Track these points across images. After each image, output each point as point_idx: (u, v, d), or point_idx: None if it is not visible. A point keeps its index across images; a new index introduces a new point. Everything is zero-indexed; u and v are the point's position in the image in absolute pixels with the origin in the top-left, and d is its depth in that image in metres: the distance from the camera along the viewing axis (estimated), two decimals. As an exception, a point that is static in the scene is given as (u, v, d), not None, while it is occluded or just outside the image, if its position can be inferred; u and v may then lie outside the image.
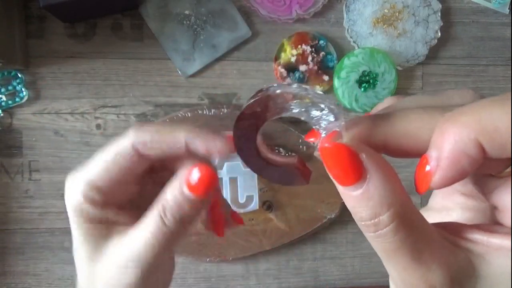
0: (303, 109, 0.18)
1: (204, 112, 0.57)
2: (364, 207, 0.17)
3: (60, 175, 0.58)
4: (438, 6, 0.61)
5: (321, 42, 0.59)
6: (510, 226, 0.18)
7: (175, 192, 0.23)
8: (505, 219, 0.19)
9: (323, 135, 0.19)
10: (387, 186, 0.17)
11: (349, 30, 0.60)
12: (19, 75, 0.57)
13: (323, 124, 0.18)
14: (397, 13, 0.60)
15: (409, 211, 0.17)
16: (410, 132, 0.18)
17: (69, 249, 0.58)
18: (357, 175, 0.17)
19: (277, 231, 0.59)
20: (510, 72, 0.63)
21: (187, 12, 0.59)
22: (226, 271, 0.60)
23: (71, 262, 0.60)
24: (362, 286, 0.61)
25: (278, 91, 0.18)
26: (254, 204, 0.56)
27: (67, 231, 0.62)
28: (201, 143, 0.23)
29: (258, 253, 0.59)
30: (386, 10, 0.60)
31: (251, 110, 0.19)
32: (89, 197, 0.24)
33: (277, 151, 0.58)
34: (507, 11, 0.63)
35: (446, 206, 0.24)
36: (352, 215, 0.18)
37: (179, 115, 0.57)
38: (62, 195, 0.62)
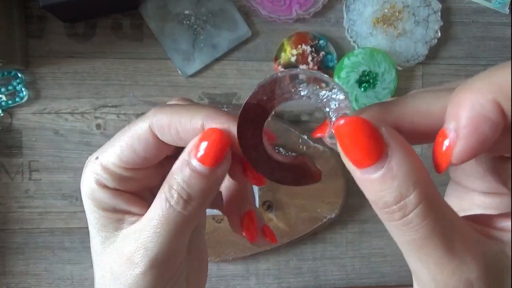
0: (311, 90, 0.18)
1: (204, 112, 0.57)
2: (388, 190, 0.16)
3: (60, 175, 0.58)
4: (438, 6, 0.61)
5: (321, 42, 0.59)
6: None
7: (182, 167, 0.21)
8: None
9: (333, 118, 0.18)
10: (411, 163, 0.15)
11: (349, 30, 0.60)
12: (19, 75, 0.57)
13: (333, 104, 0.17)
14: (397, 13, 0.60)
15: (436, 193, 0.16)
16: (423, 109, 0.17)
17: (69, 249, 0.58)
18: (378, 152, 0.16)
19: (277, 231, 0.59)
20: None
21: (187, 12, 0.59)
22: (226, 271, 0.60)
23: (71, 262, 0.60)
24: (362, 286, 0.61)
25: (283, 74, 0.18)
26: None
27: (67, 231, 0.62)
28: (219, 127, 0.21)
29: (258, 253, 0.59)
30: (386, 10, 0.60)
31: (256, 99, 0.18)
32: (102, 183, 0.22)
33: (277, 151, 0.58)
34: (507, 11, 0.63)
35: (462, 207, 0.21)
36: (373, 205, 0.17)
37: (179, 115, 0.57)
38: (62, 195, 0.62)
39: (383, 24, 0.60)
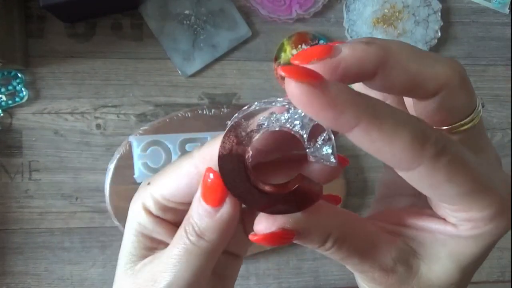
0: (272, 120, 0.18)
1: (204, 112, 0.57)
2: (309, 242, 0.19)
3: (60, 175, 0.58)
4: (438, 6, 0.61)
5: (321, 42, 0.59)
6: (436, 211, 0.20)
7: (196, 203, 0.21)
8: (430, 203, 0.21)
9: (304, 135, 0.18)
10: (325, 215, 0.19)
11: (349, 30, 0.60)
12: (19, 75, 0.57)
13: (298, 122, 0.18)
14: (397, 13, 0.60)
15: (348, 229, 0.19)
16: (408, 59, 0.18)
17: (69, 249, 0.58)
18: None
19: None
20: (510, 72, 0.63)
21: (187, 12, 0.59)
22: (226, 271, 0.60)
23: (71, 262, 0.60)
24: (362, 286, 0.61)
25: (238, 117, 0.18)
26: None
27: (67, 231, 0.62)
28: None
29: (258, 253, 0.59)
30: (386, 10, 0.60)
31: (225, 149, 0.18)
32: (147, 209, 0.23)
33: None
34: (507, 11, 0.63)
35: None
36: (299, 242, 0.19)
37: (179, 115, 0.57)
38: (62, 195, 0.62)
39: (383, 24, 0.60)
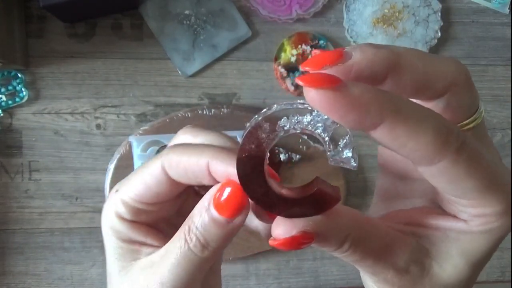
0: (293, 122, 0.17)
1: (204, 112, 0.57)
2: (328, 246, 0.19)
3: (60, 175, 0.58)
4: (438, 6, 0.61)
5: (321, 42, 0.59)
6: (447, 208, 0.20)
7: (202, 212, 0.21)
8: (441, 200, 0.21)
9: (326, 138, 0.18)
10: (344, 218, 0.19)
11: (349, 30, 0.60)
12: (19, 75, 0.57)
13: (320, 125, 0.17)
14: (397, 13, 0.60)
15: (363, 231, 0.20)
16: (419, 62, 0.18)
17: (69, 249, 0.58)
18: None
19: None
20: (510, 72, 0.63)
21: (187, 12, 0.59)
22: (226, 271, 0.60)
23: (70, 262, 0.60)
24: (362, 286, 0.61)
25: (260, 118, 0.18)
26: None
27: (67, 231, 0.62)
28: (221, 169, 0.21)
29: (258, 253, 0.59)
30: (386, 10, 0.60)
31: (244, 151, 0.18)
32: (120, 215, 0.23)
33: (278, 155, 0.58)
34: (507, 11, 0.63)
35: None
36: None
37: (179, 115, 0.57)
38: (62, 195, 0.62)
39: (383, 24, 0.60)
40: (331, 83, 0.15)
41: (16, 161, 0.57)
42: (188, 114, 0.57)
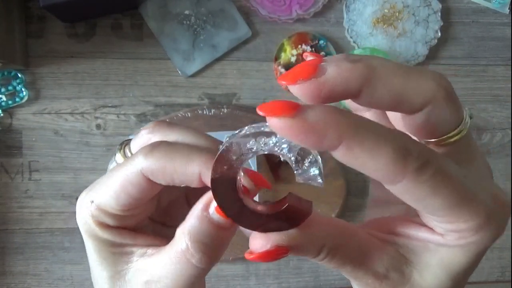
0: (261, 143, 0.19)
1: (204, 112, 0.57)
2: (306, 252, 0.20)
3: (60, 175, 0.58)
4: (438, 6, 0.61)
5: (321, 42, 0.59)
6: (424, 221, 0.20)
7: (202, 215, 0.21)
8: (418, 212, 0.21)
9: (292, 158, 0.18)
10: (321, 227, 0.20)
11: (349, 30, 0.60)
12: (19, 75, 0.57)
13: (284, 146, 0.18)
14: (397, 13, 0.60)
15: (340, 240, 0.20)
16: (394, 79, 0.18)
17: (69, 249, 0.58)
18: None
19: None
20: (510, 72, 0.63)
21: (187, 12, 0.59)
22: (226, 271, 0.60)
23: (71, 262, 0.60)
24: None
25: (230, 141, 0.19)
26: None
27: (67, 231, 0.62)
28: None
29: (258, 253, 0.59)
30: (386, 10, 0.60)
31: (217, 172, 0.19)
32: (101, 222, 0.23)
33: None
34: (507, 11, 0.63)
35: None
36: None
37: (179, 115, 0.57)
38: (62, 195, 0.62)
39: (383, 24, 0.60)
40: (289, 110, 0.16)
41: (16, 161, 0.57)
42: (188, 114, 0.57)
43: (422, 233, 0.20)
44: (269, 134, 0.18)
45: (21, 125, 0.58)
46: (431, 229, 0.20)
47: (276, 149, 0.19)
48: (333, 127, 0.16)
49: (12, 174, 0.57)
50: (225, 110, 0.58)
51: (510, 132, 0.64)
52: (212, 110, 0.57)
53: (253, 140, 0.19)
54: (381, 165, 0.16)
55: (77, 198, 0.24)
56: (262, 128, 0.19)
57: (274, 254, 0.19)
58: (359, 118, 0.17)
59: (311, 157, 0.18)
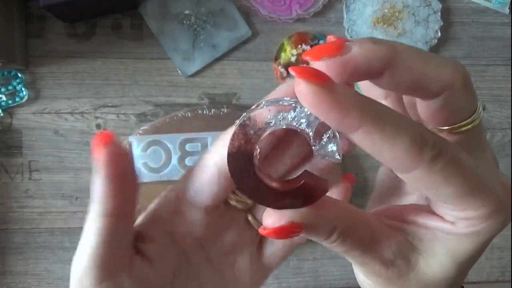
0: (279, 118, 0.19)
1: (204, 112, 0.57)
2: (315, 234, 0.20)
3: (60, 175, 0.58)
4: (438, 6, 0.61)
5: (321, 42, 0.59)
6: (434, 209, 0.21)
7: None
8: (428, 201, 0.21)
9: (310, 133, 0.18)
10: (333, 208, 0.20)
11: (349, 30, 0.60)
12: (19, 75, 0.57)
13: (303, 121, 0.18)
14: (397, 13, 0.60)
15: (351, 225, 0.20)
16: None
17: (69, 249, 0.58)
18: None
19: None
20: (510, 72, 0.63)
21: (187, 12, 0.59)
22: (226, 271, 0.60)
23: (71, 262, 0.60)
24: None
25: (246, 116, 0.19)
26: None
27: (67, 231, 0.62)
28: None
29: (258, 253, 0.59)
30: (386, 10, 0.60)
31: (234, 147, 0.19)
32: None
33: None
34: (507, 11, 0.63)
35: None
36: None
37: (179, 115, 0.57)
38: (62, 195, 0.62)
39: (383, 24, 0.60)
40: (320, 79, 0.16)
41: (16, 161, 0.57)
42: (188, 114, 0.57)
43: (431, 222, 0.21)
44: (288, 108, 0.18)
45: (21, 125, 0.58)
46: (440, 217, 0.20)
47: (295, 123, 0.18)
48: (357, 108, 0.16)
49: (12, 174, 0.57)
50: (225, 110, 0.58)
51: (510, 132, 0.64)
52: (212, 110, 0.57)
53: (272, 114, 0.18)
54: (398, 152, 0.16)
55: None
56: (280, 102, 0.19)
57: (287, 231, 0.19)
58: (381, 105, 0.17)
59: (329, 133, 0.18)
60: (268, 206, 0.20)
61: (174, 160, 0.56)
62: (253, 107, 0.19)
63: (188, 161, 0.56)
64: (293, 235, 0.19)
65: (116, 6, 0.57)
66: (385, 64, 0.18)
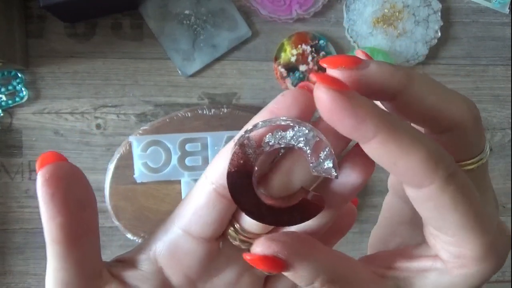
0: (277, 137, 0.19)
1: (204, 112, 0.57)
2: (298, 279, 0.19)
3: (60, 175, 0.58)
4: (438, 6, 0.61)
5: (321, 42, 0.59)
6: (430, 243, 0.20)
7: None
8: (426, 233, 0.20)
9: (308, 151, 0.19)
10: (314, 257, 0.19)
11: (349, 30, 0.60)
12: (19, 75, 0.57)
13: (301, 139, 0.19)
14: (397, 13, 0.60)
15: (336, 272, 0.20)
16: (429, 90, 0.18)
17: (69, 249, 0.58)
18: None
19: (277, 231, 0.58)
20: (510, 72, 0.63)
21: (187, 12, 0.59)
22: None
23: (71, 262, 0.59)
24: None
25: (244, 136, 0.19)
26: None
27: (67, 231, 0.61)
28: None
29: (258, 253, 0.59)
30: (386, 10, 0.60)
31: (233, 166, 0.19)
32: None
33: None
34: (507, 11, 0.63)
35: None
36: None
37: (179, 115, 0.57)
38: (62, 195, 0.61)
39: (383, 24, 0.60)
40: (339, 86, 0.16)
41: (16, 161, 0.57)
42: (188, 114, 0.57)
43: (423, 264, 0.20)
44: (286, 127, 0.19)
45: (21, 125, 0.58)
46: (432, 257, 0.20)
47: (293, 142, 0.19)
48: (374, 117, 0.16)
49: (12, 174, 0.57)
50: (225, 110, 0.58)
51: (510, 132, 0.64)
52: (212, 110, 0.57)
53: (270, 134, 0.19)
54: (413, 164, 0.16)
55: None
56: (278, 122, 0.19)
57: (269, 262, 0.19)
58: (397, 117, 0.17)
59: (326, 150, 0.19)
60: (267, 224, 0.20)
61: (174, 160, 0.56)
62: (250, 126, 0.19)
63: (188, 161, 0.56)
64: (273, 269, 0.19)
65: (116, 6, 0.57)
66: (400, 88, 0.18)
